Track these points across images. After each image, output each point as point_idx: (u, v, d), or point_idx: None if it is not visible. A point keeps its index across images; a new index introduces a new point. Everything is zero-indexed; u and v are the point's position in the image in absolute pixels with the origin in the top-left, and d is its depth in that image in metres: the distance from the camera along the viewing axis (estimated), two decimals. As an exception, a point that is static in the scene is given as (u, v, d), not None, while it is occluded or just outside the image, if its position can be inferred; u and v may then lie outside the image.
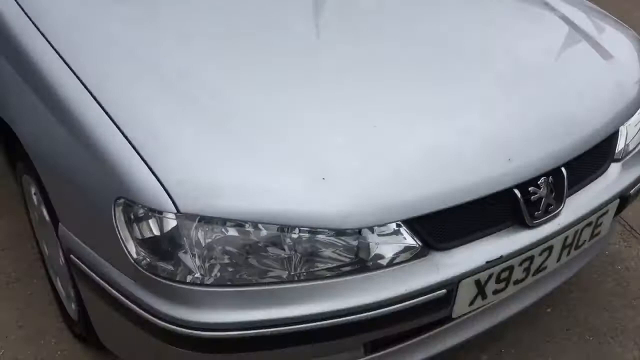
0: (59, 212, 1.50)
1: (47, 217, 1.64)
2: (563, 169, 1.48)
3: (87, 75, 1.44)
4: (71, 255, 1.46)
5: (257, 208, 1.24)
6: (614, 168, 1.65)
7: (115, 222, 1.27)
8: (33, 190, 1.77)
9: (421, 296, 1.33)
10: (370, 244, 1.31)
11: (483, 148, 1.42)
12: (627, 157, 1.68)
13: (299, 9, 1.80)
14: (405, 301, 1.32)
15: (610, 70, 1.74)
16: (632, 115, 1.68)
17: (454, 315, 1.44)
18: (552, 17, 1.94)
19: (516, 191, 1.41)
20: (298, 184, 1.28)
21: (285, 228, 1.26)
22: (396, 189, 1.31)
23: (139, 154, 1.28)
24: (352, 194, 1.28)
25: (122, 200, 1.26)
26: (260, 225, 1.25)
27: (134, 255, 1.27)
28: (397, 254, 1.33)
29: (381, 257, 1.32)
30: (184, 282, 1.25)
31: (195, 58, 1.54)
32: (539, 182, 1.44)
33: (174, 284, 1.25)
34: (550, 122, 1.52)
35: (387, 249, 1.33)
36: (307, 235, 1.27)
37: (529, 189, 1.43)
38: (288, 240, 1.27)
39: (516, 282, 1.50)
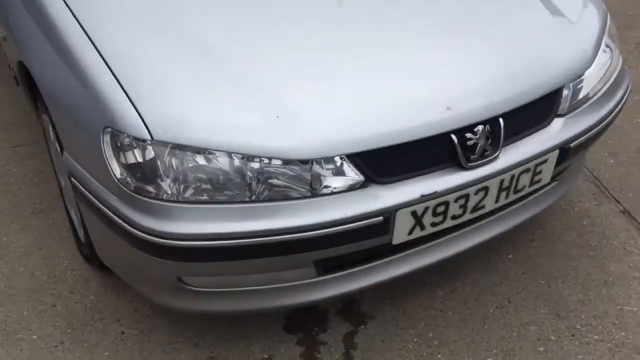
0: (63, 142, 1.77)
1: (58, 149, 1.91)
2: (500, 119, 1.66)
3: (87, 21, 1.69)
4: (71, 178, 1.72)
5: (220, 139, 1.48)
6: (557, 122, 1.81)
7: (103, 147, 1.52)
8: (50, 127, 2.04)
9: (360, 221, 1.54)
10: (320, 175, 1.53)
11: (424, 95, 1.62)
12: (573, 112, 1.84)
13: None
14: (346, 224, 1.53)
15: (560, 31, 1.90)
16: (579, 76, 1.83)
17: (394, 242, 1.64)
18: None
19: (453, 136, 1.60)
20: (256, 121, 1.51)
21: (245, 157, 1.48)
22: (340, 127, 1.53)
23: (124, 90, 1.52)
24: (301, 130, 1.50)
25: (109, 129, 1.51)
26: (223, 154, 1.48)
27: (118, 176, 1.52)
28: (341, 185, 1.54)
29: (328, 186, 1.54)
30: (160, 199, 1.50)
31: (187, 10, 1.78)
32: (475, 130, 1.63)
33: (151, 200, 1.50)
34: (491, 75, 1.70)
35: (333, 180, 1.54)
36: (264, 164, 1.49)
37: (466, 134, 1.62)
38: (249, 168, 1.49)
39: (454, 217, 1.69)
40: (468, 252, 1.89)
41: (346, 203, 1.54)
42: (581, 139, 1.83)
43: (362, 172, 1.55)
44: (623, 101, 2.00)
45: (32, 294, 2.08)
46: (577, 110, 1.86)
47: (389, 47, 1.74)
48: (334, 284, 1.74)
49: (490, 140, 1.65)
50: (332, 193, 1.54)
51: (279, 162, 1.50)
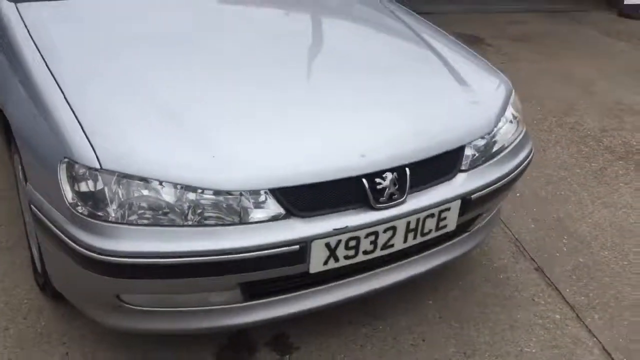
0: (27, 174, 2.02)
1: (24, 182, 2.15)
2: (407, 169, 1.94)
3: (57, 72, 1.99)
4: (31, 205, 1.96)
5: (161, 171, 1.74)
6: (460, 176, 2.09)
7: (59, 175, 1.77)
8: (19, 165, 2.29)
9: (279, 248, 1.78)
10: (246, 206, 1.78)
11: (340, 143, 1.91)
12: (476, 169, 2.13)
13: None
14: (266, 250, 1.77)
15: (463, 99, 2.24)
16: (478, 138, 2.13)
17: (311, 271, 1.87)
18: (425, 50, 2.54)
19: (364, 180, 1.88)
20: (195, 158, 1.78)
21: (183, 188, 1.74)
22: (265, 166, 1.80)
23: (82, 127, 1.79)
24: (232, 167, 1.77)
25: (66, 160, 1.76)
26: (167, 184, 1.73)
27: (70, 200, 1.76)
28: (265, 216, 1.79)
29: (253, 216, 1.79)
30: (104, 221, 1.73)
31: (142, 60, 2.10)
32: (383, 176, 1.90)
33: (96, 221, 1.73)
34: (398, 130, 2.01)
35: (258, 211, 1.79)
36: (199, 194, 1.74)
37: (376, 179, 1.89)
38: (185, 197, 1.74)
39: (365, 252, 1.93)
40: (386, 289, 2.12)
41: (268, 232, 1.78)
42: (481, 192, 2.10)
43: (283, 206, 1.80)
44: (524, 164, 2.29)
45: (-12, 318, 2.26)
46: (479, 167, 2.15)
47: (317, 104, 2.06)
48: (259, 310, 1.95)
49: (397, 186, 1.93)
50: (257, 222, 1.79)
51: (210, 194, 1.76)
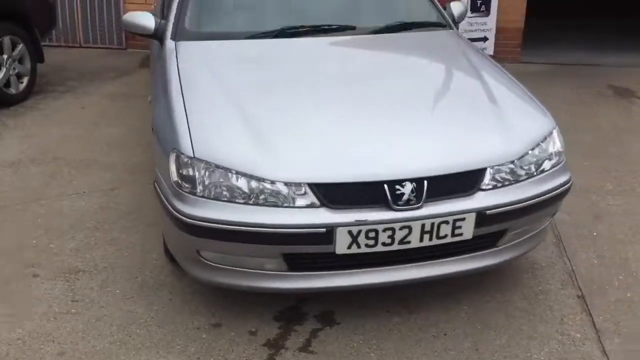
0: (155, 164, 2.81)
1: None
2: (425, 181, 2.40)
3: (186, 89, 2.79)
4: (155, 183, 2.74)
5: (235, 164, 2.41)
6: (480, 194, 2.48)
7: (170, 161, 2.52)
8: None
9: (310, 229, 2.34)
10: (292, 194, 2.38)
11: (368, 153, 2.44)
12: (495, 189, 2.50)
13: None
14: (299, 228, 2.35)
15: (494, 128, 2.64)
16: (500, 164, 2.51)
17: (337, 252, 2.40)
18: (477, 86, 2.97)
19: (385, 186, 2.38)
20: (259, 156, 2.43)
21: (249, 177, 2.39)
22: (308, 165, 2.40)
23: (189, 128, 2.54)
24: (284, 164, 2.40)
25: (175, 150, 2.51)
26: (237, 173, 2.40)
27: (174, 179, 2.49)
28: (304, 203, 2.37)
29: (295, 202, 2.38)
30: (193, 194, 2.43)
31: (243, 84, 2.85)
32: (403, 184, 2.38)
33: (188, 195, 2.44)
34: (424, 150, 2.48)
35: (300, 199, 2.38)
36: (260, 183, 2.38)
37: (396, 186, 2.38)
38: (250, 184, 2.39)
39: (385, 244, 2.41)
40: (407, 284, 2.57)
41: (303, 215, 2.36)
42: (497, 210, 2.47)
43: (318, 198, 2.37)
44: (551, 194, 2.60)
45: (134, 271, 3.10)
46: (501, 188, 2.52)
47: (365, 128, 2.61)
48: (299, 280, 2.51)
49: (415, 194, 2.39)
50: (297, 207, 2.37)
51: (268, 183, 2.38)
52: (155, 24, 3.46)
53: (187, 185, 2.45)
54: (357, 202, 2.40)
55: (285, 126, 2.59)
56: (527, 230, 2.73)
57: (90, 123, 5.21)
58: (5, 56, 5.58)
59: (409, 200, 2.39)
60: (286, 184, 2.38)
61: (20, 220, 3.56)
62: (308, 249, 2.43)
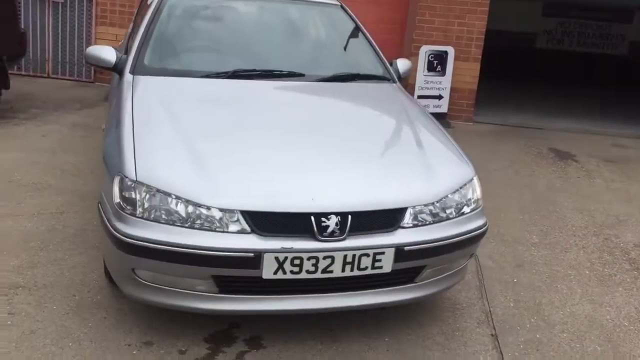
0: (102, 185, 2.97)
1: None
2: (349, 215, 2.61)
3: (137, 118, 2.99)
4: (99, 204, 2.89)
5: (173, 188, 2.59)
6: (400, 231, 2.70)
7: (114, 184, 2.69)
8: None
9: (239, 253, 2.52)
10: (225, 220, 2.55)
11: (300, 188, 2.65)
12: (415, 227, 2.73)
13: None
14: (229, 252, 2.52)
15: (417, 172, 2.89)
16: (420, 205, 2.75)
17: (264, 276, 2.57)
18: (408, 135, 3.24)
19: (312, 218, 2.58)
20: (196, 182, 2.62)
21: (185, 202, 2.57)
22: (240, 195, 2.59)
23: (134, 154, 2.72)
24: (220, 191, 2.59)
25: (120, 173, 2.68)
26: (175, 197, 2.58)
27: (116, 201, 2.66)
28: (236, 229, 2.55)
29: (228, 227, 2.55)
30: (133, 215, 2.60)
31: (191, 118, 3.05)
32: (328, 217, 2.59)
33: (128, 216, 2.60)
34: (350, 187, 2.71)
35: (232, 225, 2.56)
36: (196, 208, 2.56)
37: (322, 219, 2.59)
38: (188, 208, 2.57)
39: (309, 272, 2.59)
40: (332, 312, 2.74)
41: (235, 240, 2.54)
42: (413, 247, 2.69)
43: (249, 225, 2.56)
44: (465, 236, 2.84)
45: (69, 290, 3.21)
46: (421, 227, 2.74)
47: (296, 165, 2.84)
48: (229, 302, 2.66)
49: (339, 226, 2.60)
50: (229, 232, 2.55)
51: (203, 209, 2.56)
52: (117, 58, 3.68)
53: (128, 207, 2.62)
54: (285, 230, 2.59)
55: (224, 158, 2.80)
56: (445, 269, 2.94)
57: (49, 150, 5.33)
58: (-31, 81, 5.73)
59: (333, 232, 2.59)
60: (221, 210, 2.56)
61: (-34, 237, 3.65)
62: (237, 272, 2.59)
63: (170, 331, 2.90)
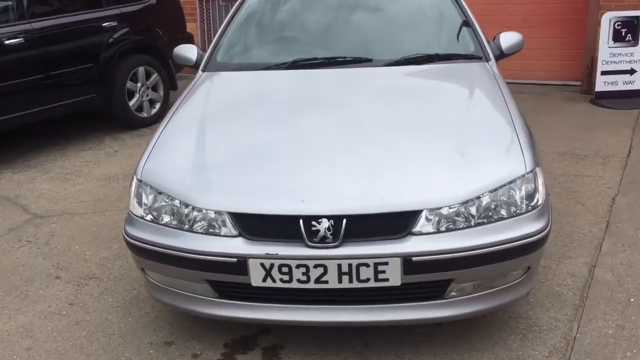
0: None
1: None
2: (344, 219, 2.26)
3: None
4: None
5: (171, 189, 2.51)
6: (411, 238, 2.27)
7: (131, 187, 2.69)
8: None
9: (222, 257, 2.34)
10: (214, 221, 2.40)
11: (291, 189, 2.37)
12: (433, 234, 2.28)
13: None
14: (212, 256, 2.36)
15: (443, 169, 2.42)
16: (439, 208, 2.28)
17: (253, 284, 2.35)
18: (461, 117, 2.76)
19: (300, 221, 2.29)
20: (192, 184, 2.51)
21: (182, 203, 2.47)
22: (228, 196, 2.41)
23: (149, 154, 2.71)
24: (211, 194, 2.44)
25: (135, 176, 2.69)
26: (173, 199, 2.50)
27: (131, 201, 2.67)
28: (223, 232, 2.38)
29: (220, 230, 2.39)
30: (139, 217, 2.58)
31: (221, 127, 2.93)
32: (319, 221, 2.28)
33: (136, 218, 2.59)
34: (348, 187, 2.34)
35: (220, 228, 2.39)
36: (190, 209, 2.45)
37: (312, 222, 2.28)
38: (183, 210, 2.47)
39: (300, 281, 2.31)
40: (341, 327, 2.43)
41: (221, 243, 2.37)
42: (426, 257, 2.24)
43: (235, 228, 2.36)
44: (499, 247, 2.30)
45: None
46: (442, 233, 2.28)
47: (295, 161, 2.57)
48: (227, 308, 2.50)
49: (331, 232, 2.27)
50: (221, 235, 2.39)
51: (196, 210, 2.44)
52: (197, 55, 3.72)
53: (137, 209, 2.60)
54: (273, 235, 2.34)
55: (228, 157, 2.64)
56: (487, 285, 2.42)
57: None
58: (139, 84, 6.32)
59: (324, 237, 2.28)
60: (211, 212, 2.41)
61: (78, 227, 4.01)
62: (226, 278, 2.42)
63: (195, 333, 2.83)
